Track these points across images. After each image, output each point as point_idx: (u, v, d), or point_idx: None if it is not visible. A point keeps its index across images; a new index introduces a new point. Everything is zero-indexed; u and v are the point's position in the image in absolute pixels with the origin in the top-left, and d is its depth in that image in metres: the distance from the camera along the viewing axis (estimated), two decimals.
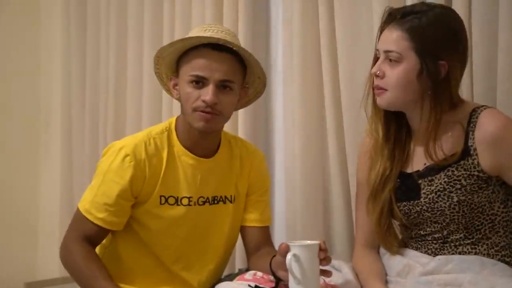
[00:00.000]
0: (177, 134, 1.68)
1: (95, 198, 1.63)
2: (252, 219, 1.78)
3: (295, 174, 2.15)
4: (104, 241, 1.70)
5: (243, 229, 1.80)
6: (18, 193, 3.27)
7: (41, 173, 3.35)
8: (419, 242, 1.56)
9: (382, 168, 1.56)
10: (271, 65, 2.36)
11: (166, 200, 1.66)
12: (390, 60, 1.49)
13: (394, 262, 1.55)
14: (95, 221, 1.62)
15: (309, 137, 2.13)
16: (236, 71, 1.63)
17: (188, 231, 1.70)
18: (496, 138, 1.43)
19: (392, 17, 1.52)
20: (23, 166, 3.31)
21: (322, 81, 2.10)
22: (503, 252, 1.48)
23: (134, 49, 2.71)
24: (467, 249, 1.48)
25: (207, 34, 1.61)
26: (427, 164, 1.53)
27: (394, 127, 1.59)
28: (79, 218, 1.65)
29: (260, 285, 1.50)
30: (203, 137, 1.67)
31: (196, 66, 1.59)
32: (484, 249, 1.48)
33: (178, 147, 1.67)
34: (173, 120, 1.72)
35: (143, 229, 1.67)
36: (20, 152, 3.29)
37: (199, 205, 1.69)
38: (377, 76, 1.52)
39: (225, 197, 1.73)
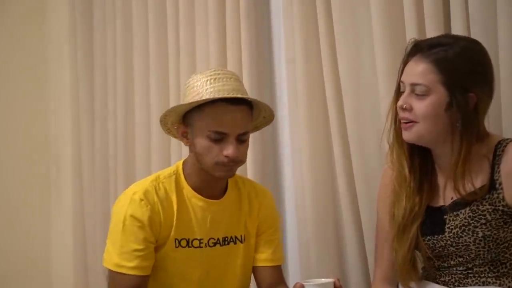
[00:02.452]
0: (185, 177, 1.70)
1: (122, 249, 1.61)
2: (264, 259, 1.78)
3: (306, 212, 2.15)
4: None
5: (255, 270, 1.80)
6: (30, 241, 3.23)
7: (52, 220, 3.30)
8: (443, 271, 1.53)
9: (410, 203, 1.52)
10: (276, 104, 2.38)
11: (179, 243, 1.67)
12: (417, 93, 1.47)
13: None
14: (130, 272, 1.60)
15: (318, 173, 2.14)
16: (250, 119, 1.67)
17: (202, 274, 1.70)
18: None
19: (418, 49, 1.50)
20: (34, 214, 3.26)
21: (328, 118, 2.11)
22: None
23: (140, 92, 2.73)
24: (491, 280, 1.46)
25: (218, 84, 1.62)
26: (454, 198, 1.50)
27: (419, 160, 1.55)
28: (113, 278, 1.63)
29: None
30: (214, 180, 1.69)
31: (215, 123, 1.60)
32: (509, 281, 1.45)
33: (187, 189, 1.69)
34: (180, 163, 1.74)
35: (160, 273, 1.67)
36: (31, 199, 3.25)
37: (210, 246, 1.70)
38: (404, 109, 1.49)
39: (235, 237, 1.74)
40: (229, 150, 1.59)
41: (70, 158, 3.13)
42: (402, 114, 1.50)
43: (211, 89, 1.61)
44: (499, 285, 1.44)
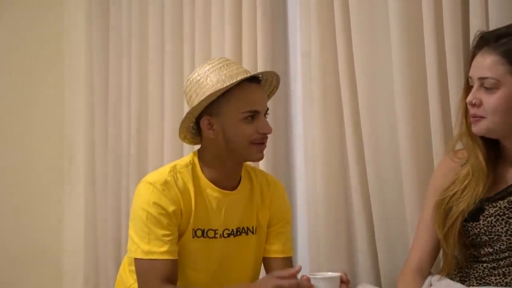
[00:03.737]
0: (200, 167, 1.70)
1: (149, 236, 1.59)
2: (274, 250, 1.78)
3: (317, 207, 2.14)
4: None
5: (265, 261, 1.80)
6: (42, 230, 3.29)
7: (64, 209, 3.36)
8: (470, 263, 1.51)
9: (479, 195, 1.48)
10: (291, 98, 2.37)
11: (195, 233, 1.67)
12: (486, 87, 1.44)
13: None
14: (162, 257, 1.58)
15: (331, 168, 2.13)
16: (266, 94, 1.73)
17: (214, 264, 1.71)
18: None
19: (485, 41, 1.47)
20: (47, 203, 3.33)
21: (342, 113, 2.10)
22: None
23: (155, 87, 2.74)
24: None
25: (232, 68, 1.65)
26: (500, 189, 1.49)
27: (493, 152, 1.53)
28: (143, 267, 1.60)
29: None
30: (230, 170, 1.70)
31: (248, 103, 1.63)
32: None
33: (203, 180, 1.69)
34: (194, 154, 1.74)
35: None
36: (44, 188, 3.32)
37: (224, 237, 1.70)
38: (473, 105, 1.46)
39: (248, 228, 1.75)
40: (265, 126, 1.64)
41: (83, 148, 3.17)
42: (471, 110, 1.47)
43: (230, 73, 1.63)
44: None
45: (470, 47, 1.53)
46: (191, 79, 1.68)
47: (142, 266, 1.60)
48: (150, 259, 1.58)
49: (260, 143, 1.65)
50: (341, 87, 2.10)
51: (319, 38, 2.13)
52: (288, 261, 1.80)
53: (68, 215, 3.35)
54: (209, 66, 1.66)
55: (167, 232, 1.59)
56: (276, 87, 1.79)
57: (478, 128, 1.47)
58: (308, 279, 1.39)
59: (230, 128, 1.63)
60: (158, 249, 1.58)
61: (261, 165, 2.26)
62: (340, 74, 2.10)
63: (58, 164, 3.36)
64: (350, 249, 2.11)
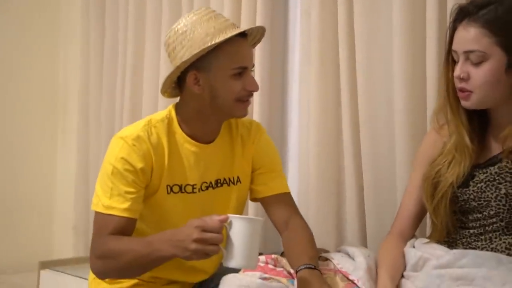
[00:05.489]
0: (178, 122, 1.65)
1: (112, 191, 1.54)
2: (267, 190, 1.74)
3: (309, 165, 2.15)
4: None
5: (263, 203, 1.76)
6: (35, 176, 3.33)
7: (58, 156, 3.40)
8: (457, 229, 1.53)
9: (465, 169, 1.48)
10: (288, 58, 2.36)
11: (171, 189, 1.63)
12: (472, 60, 1.42)
13: (409, 256, 1.52)
14: (121, 214, 1.53)
15: (325, 129, 2.13)
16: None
17: (194, 218, 1.67)
18: None
19: (465, 14, 1.43)
20: (40, 150, 3.36)
21: (339, 72, 2.09)
22: None
23: (151, 36, 2.73)
24: (501, 248, 1.44)
25: (220, 21, 1.57)
26: (492, 155, 1.49)
27: (478, 124, 1.52)
28: (100, 220, 1.55)
29: (265, 275, 1.48)
30: (211, 125, 1.66)
31: (238, 59, 1.57)
32: None
33: (179, 134, 1.64)
34: (172, 108, 1.68)
35: (154, 220, 1.64)
36: (38, 136, 3.35)
37: (203, 190, 1.67)
38: (461, 79, 1.44)
39: (229, 179, 1.71)
40: (252, 84, 1.60)
41: (77, 97, 3.18)
42: (459, 85, 1.45)
43: (219, 26, 1.56)
44: (508, 254, 1.42)
45: (448, 21, 1.50)
46: (176, 29, 1.59)
47: (99, 220, 1.56)
48: (109, 214, 1.53)
49: (245, 100, 1.61)
50: (339, 46, 2.08)
51: None
52: (286, 198, 1.75)
53: (61, 164, 3.38)
54: (196, 17, 1.58)
55: (131, 190, 1.54)
56: (259, 40, 1.72)
57: (470, 103, 1.46)
58: (227, 218, 1.35)
59: (218, 84, 1.58)
60: (119, 205, 1.53)
61: None
62: (339, 34, 2.09)
63: (52, 113, 3.37)
64: (339, 210, 2.13)
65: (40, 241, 3.29)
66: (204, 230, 1.35)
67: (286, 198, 1.75)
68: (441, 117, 1.57)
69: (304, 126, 2.21)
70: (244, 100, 1.60)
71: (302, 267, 1.49)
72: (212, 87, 1.59)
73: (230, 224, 1.35)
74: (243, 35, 1.59)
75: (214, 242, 1.34)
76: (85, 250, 2.95)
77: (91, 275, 1.70)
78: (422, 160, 1.62)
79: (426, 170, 1.57)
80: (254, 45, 1.73)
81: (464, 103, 1.47)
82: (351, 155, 2.07)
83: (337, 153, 2.14)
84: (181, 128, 1.65)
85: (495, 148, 1.51)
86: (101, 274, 1.60)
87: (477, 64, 1.41)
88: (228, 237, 1.35)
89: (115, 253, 1.50)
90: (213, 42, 1.53)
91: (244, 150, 1.74)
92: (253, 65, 1.64)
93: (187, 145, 1.65)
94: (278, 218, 1.72)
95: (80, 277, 2.52)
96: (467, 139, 1.49)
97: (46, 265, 2.73)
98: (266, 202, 1.75)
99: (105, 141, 2.90)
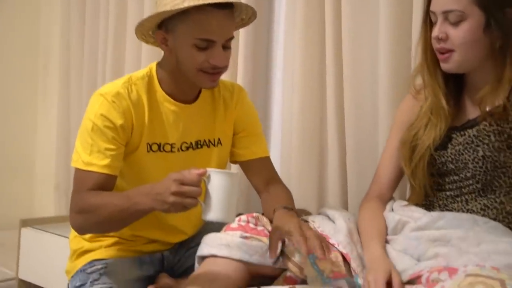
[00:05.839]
0: (158, 80, 1.63)
1: (92, 148, 1.53)
2: (248, 153, 1.76)
3: (292, 126, 2.16)
4: None
5: (243, 166, 1.78)
6: (16, 134, 3.30)
7: (38, 114, 3.38)
8: (434, 191, 1.54)
9: (441, 132, 1.49)
10: (273, 23, 2.33)
11: (151, 148, 1.62)
12: (451, 20, 1.41)
13: (388, 220, 1.54)
14: (101, 170, 1.52)
15: (308, 94, 2.12)
16: (234, 23, 1.59)
17: None
18: None
19: None
20: (21, 108, 3.33)
21: (324, 38, 2.08)
22: (509, 218, 1.45)
23: None
24: (476, 209, 1.46)
25: None
26: (469, 118, 1.49)
27: (453, 87, 1.52)
28: (80, 177, 1.54)
29: (246, 234, 1.49)
30: (187, 87, 1.64)
31: (202, 30, 1.50)
32: (493, 214, 1.45)
33: (160, 93, 1.63)
34: (153, 65, 1.66)
35: (134, 179, 1.63)
36: (19, 94, 3.32)
37: (182, 151, 1.67)
38: (439, 39, 1.43)
39: (209, 141, 1.71)
40: (216, 58, 1.52)
41: (58, 55, 3.14)
42: (437, 45, 1.45)
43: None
44: (483, 215, 1.44)
45: None
46: None
47: (79, 176, 1.55)
48: (89, 171, 1.52)
49: (211, 73, 1.55)
50: (325, 11, 2.07)
51: None
52: (266, 162, 1.77)
53: (42, 123, 3.36)
54: None
55: (111, 146, 1.53)
56: (248, 22, 1.68)
57: (451, 65, 1.45)
58: (206, 171, 1.35)
59: (180, 50, 1.54)
60: (98, 162, 1.52)
61: None
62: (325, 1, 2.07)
63: (32, 72, 3.33)
64: (321, 171, 2.15)
65: (21, 199, 3.30)
66: (183, 183, 1.33)
67: (266, 162, 1.78)
68: (418, 81, 1.58)
69: (288, 88, 2.20)
70: (208, 72, 1.55)
71: (279, 207, 1.52)
72: (177, 51, 1.56)
73: (209, 177, 1.35)
74: (223, 7, 1.51)
75: (192, 195, 1.33)
76: (66, 208, 2.94)
77: (72, 233, 1.71)
78: (399, 124, 1.63)
79: (403, 134, 1.57)
80: (243, 25, 1.69)
81: (444, 66, 1.47)
82: (334, 119, 2.07)
83: (320, 117, 2.14)
84: (161, 87, 1.63)
85: (472, 111, 1.52)
86: (81, 230, 1.59)
87: (456, 23, 1.41)
88: (206, 190, 1.36)
89: (95, 207, 1.49)
90: (181, 6, 1.48)
91: (226, 113, 1.74)
92: (230, 39, 1.55)
93: (166, 103, 1.63)
94: (259, 180, 1.75)
95: (61, 235, 2.53)
96: (443, 101, 1.50)
97: (27, 223, 2.73)
98: (247, 166, 1.77)
99: (86, 100, 2.85)
